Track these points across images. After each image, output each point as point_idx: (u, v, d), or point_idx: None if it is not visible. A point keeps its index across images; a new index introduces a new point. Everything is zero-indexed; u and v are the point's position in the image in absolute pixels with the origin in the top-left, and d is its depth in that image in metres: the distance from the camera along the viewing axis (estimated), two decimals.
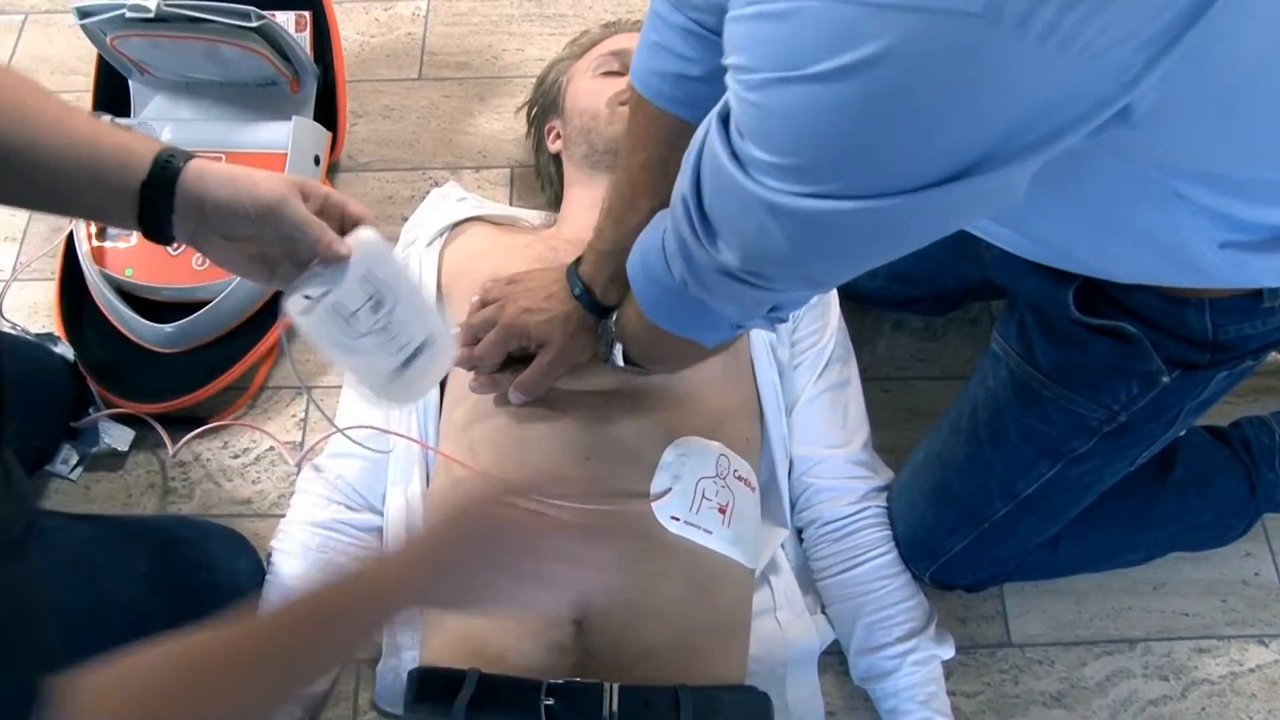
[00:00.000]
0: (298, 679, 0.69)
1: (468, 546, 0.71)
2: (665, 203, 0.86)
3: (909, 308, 1.31)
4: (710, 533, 1.00)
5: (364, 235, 0.81)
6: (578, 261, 1.01)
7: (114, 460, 1.26)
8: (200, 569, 1.08)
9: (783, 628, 1.11)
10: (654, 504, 0.98)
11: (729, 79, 0.59)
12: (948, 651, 1.10)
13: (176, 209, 0.76)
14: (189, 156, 0.77)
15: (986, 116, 0.50)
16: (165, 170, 0.75)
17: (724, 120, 0.62)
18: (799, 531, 1.18)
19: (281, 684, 0.67)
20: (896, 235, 0.61)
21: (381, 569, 0.73)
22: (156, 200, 0.75)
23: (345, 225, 0.82)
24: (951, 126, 0.51)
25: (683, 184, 0.70)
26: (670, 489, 0.99)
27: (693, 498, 1.00)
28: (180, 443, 1.25)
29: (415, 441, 1.13)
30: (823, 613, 1.15)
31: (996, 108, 0.50)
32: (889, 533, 1.13)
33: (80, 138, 0.74)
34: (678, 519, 0.99)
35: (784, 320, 0.83)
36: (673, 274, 0.76)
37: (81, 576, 0.69)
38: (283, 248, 0.80)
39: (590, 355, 1.02)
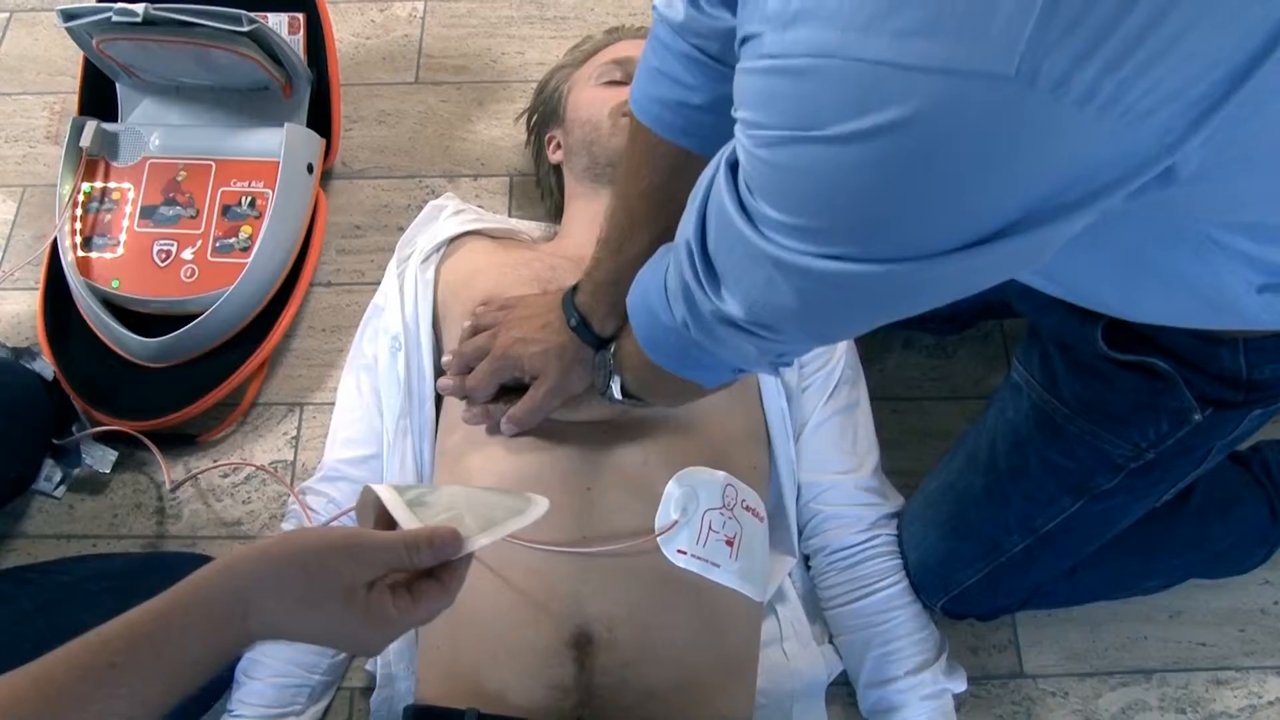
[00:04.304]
0: None
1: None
2: (665, 232, 0.82)
3: (920, 325, 1.28)
4: (718, 566, 0.96)
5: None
6: (573, 290, 0.97)
7: (99, 479, 1.22)
8: None
9: (790, 658, 1.08)
10: (659, 538, 0.94)
11: (738, 132, 0.55)
12: (959, 685, 1.06)
13: None
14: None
15: (1017, 183, 0.46)
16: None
17: (733, 169, 0.58)
18: (806, 558, 1.14)
19: None
20: (914, 297, 0.58)
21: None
22: None
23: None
24: (978, 193, 0.47)
25: (687, 228, 0.66)
26: (676, 521, 0.95)
27: (699, 530, 0.96)
28: (181, 481, 1.22)
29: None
30: (830, 643, 1.12)
31: (1028, 174, 0.46)
32: (899, 562, 1.09)
33: None
34: (684, 553, 0.95)
35: (789, 365, 0.79)
36: (674, 315, 0.73)
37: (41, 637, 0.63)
38: None
39: (586, 387, 0.98)
